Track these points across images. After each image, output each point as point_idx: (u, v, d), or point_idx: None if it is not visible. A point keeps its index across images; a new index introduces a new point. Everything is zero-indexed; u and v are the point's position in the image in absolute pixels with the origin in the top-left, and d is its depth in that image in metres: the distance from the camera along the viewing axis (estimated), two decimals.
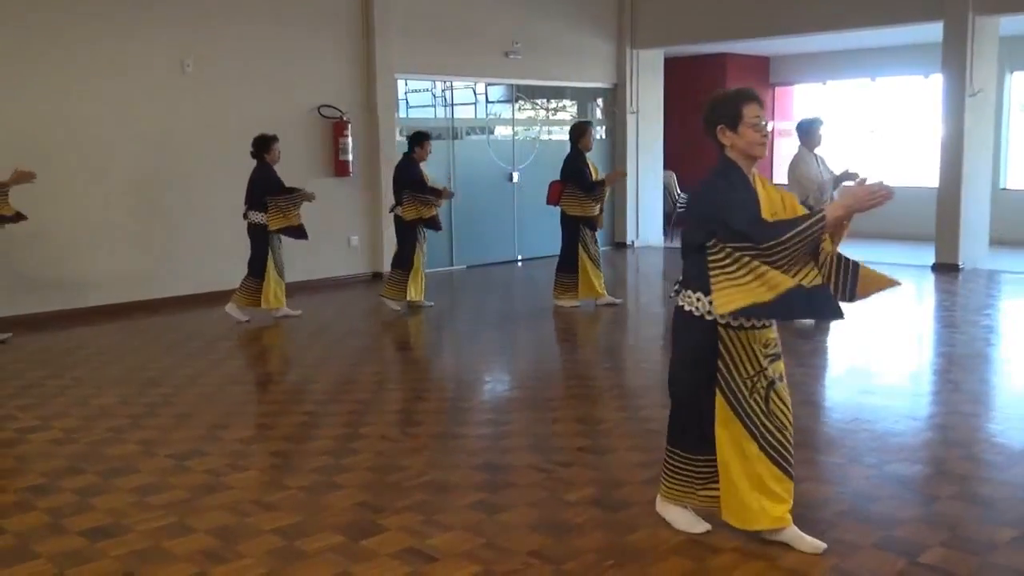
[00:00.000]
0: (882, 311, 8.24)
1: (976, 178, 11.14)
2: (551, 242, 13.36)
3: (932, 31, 11.21)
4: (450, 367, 7.30)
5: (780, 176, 16.51)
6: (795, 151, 8.14)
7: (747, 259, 3.34)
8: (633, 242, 14.27)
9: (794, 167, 8.00)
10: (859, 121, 15.85)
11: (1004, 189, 13.71)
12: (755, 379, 3.57)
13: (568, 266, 9.05)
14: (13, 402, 6.08)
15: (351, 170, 10.89)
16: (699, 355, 3.59)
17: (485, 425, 5.47)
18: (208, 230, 9.95)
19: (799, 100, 16.59)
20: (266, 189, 8.48)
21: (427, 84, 12.32)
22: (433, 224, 9.15)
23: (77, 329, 8.46)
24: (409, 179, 8.94)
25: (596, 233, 9.10)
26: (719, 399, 3.57)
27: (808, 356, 7.40)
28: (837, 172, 7.90)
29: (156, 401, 6.15)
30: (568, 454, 4.86)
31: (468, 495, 4.29)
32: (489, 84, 13.02)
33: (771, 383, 3.61)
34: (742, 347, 3.55)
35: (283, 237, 8.70)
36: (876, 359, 7.11)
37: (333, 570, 3.56)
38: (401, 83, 11.81)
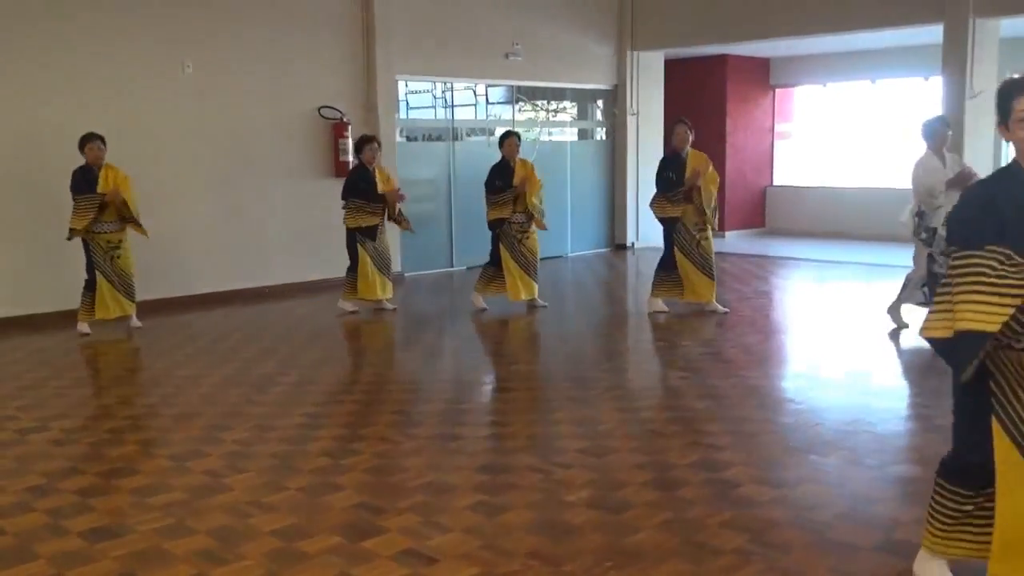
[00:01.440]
0: (883, 312, 8.22)
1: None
2: (551, 244, 13.42)
3: (932, 33, 11.21)
4: (449, 368, 7.29)
5: (779, 180, 16.54)
6: (920, 154, 7.64)
7: (959, 281, 2.86)
8: (633, 244, 14.27)
9: (915, 171, 7.53)
10: (859, 123, 15.86)
11: None
12: None
13: (665, 264, 8.87)
14: (13, 403, 6.08)
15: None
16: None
17: (485, 426, 5.46)
18: (203, 232, 9.93)
19: (800, 102, 16.60)
20: (347, 188, 8.92)
21: (427, 85, 12.32)
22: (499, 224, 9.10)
23: (75, 330, 8.45)
24: (487, 180, 9.06)
25: (701, 234, 8.64)
26: (995, 426, 2.98)
27: (808, 357, 7.40)
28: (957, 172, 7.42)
29: (156, 402, 6.15)
30: (568, 455, 4.86)
31: (468, 496, 4.29)
32: (489, 85, 13.02)
33: None
34: (1013, 369, 2.94)
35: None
36: (877, 360, 7.10)
37: (332, 571, 3.55)
38: (401, 84, 11.81)
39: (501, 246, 9.05)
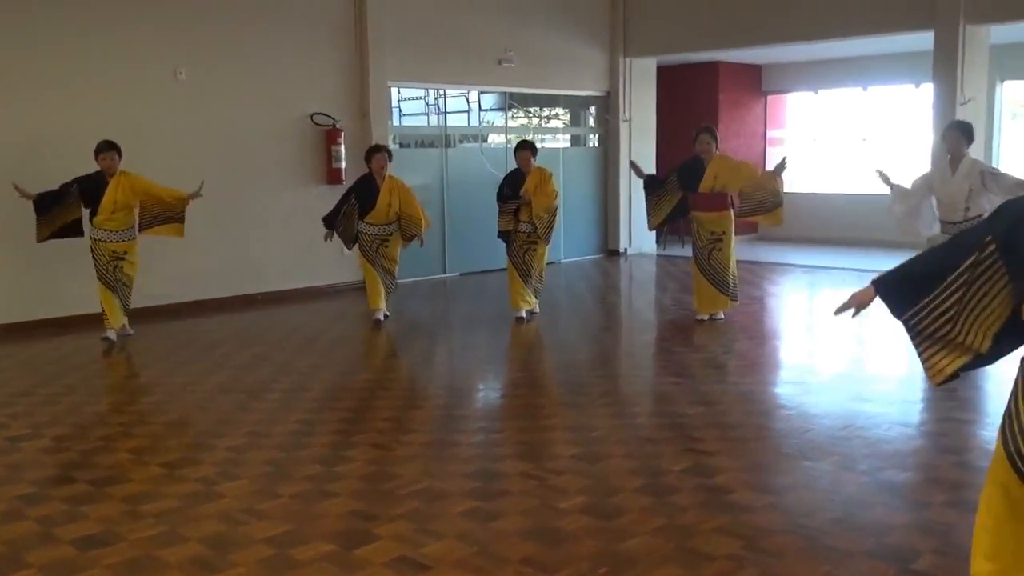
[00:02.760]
0: (874, 317, 8.25)
1: None
2: None
3: (923, 40, 11.26)
4: (443, 375, 7.29)
5: None
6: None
7: None
8: (626, 250, 14.29)
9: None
10: (851, 130, 15.92)
11: None
12: None
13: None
14: (4, 410, 6.05)
15: (344, 178, 10.86)
16: None
17: (478, 433, 5.46)
18: (195, 239, 9.87)
19: (792, 109, 16.65)
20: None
21: (420, 92, 12.33)
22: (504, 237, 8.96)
23: (66, 337, 8.43)
24: (498, 189, 8.98)
25: (717, 242, 8.54)
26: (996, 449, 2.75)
27: (799, 363, 7.41)
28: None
29: (148, 409, 6.14)
30: (561, 461, 4.86)
31: (461, 503, 4.29)
32: (482, 92, 13.04)
33: None
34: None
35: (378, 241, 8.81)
36: (868, 366, 7.12)
37: None
38: (394, 91, 11.82)
39: (507, 254, 8.93)
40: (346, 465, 4.85)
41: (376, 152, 8.69)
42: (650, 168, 14.51)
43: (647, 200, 8.86)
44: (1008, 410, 2.72)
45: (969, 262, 2.69)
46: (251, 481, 4.65)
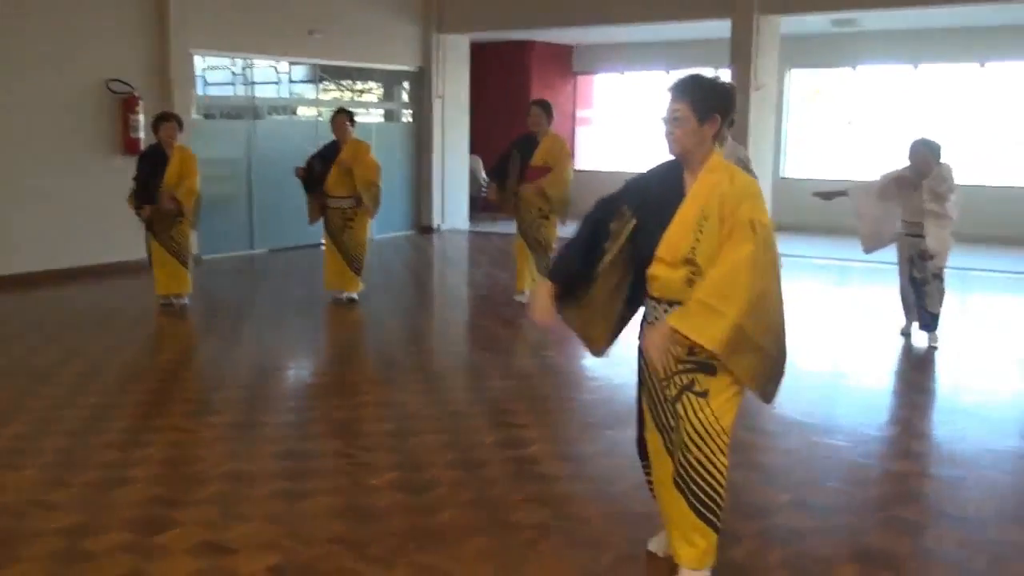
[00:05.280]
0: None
1: (759, 167, 11.83)
2: None
3: (721, 28, 11.84)
4: (251, 355, 7.04)
5: (581, 165, 17.01)
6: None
7: None
8: (439, 226, 14.31)
9: None
10: (656, 110, 16.53)
11: (784, 178, 14.68)
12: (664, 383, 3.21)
13: None
14: None
15: (141, 148, 10.29)
16: None
17: (287, 412, 5.34)
18: None
19: (600, 89, 17.12)
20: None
21: (226, 61, 11.84)
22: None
23: None
24: None
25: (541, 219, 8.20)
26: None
27: None
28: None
29: None
30: (372, 439, 4.83)
31: (268, 484, 4.19)
32: (292, 63, 12.67)
33: (681, 392, 3.17)
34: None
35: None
36: None
37: (121, 570, 3.38)
38: (198, 59, 11.29)
39: (324, 233, 8.46)
40: (145, 450, 4.63)
41: (164, 121, 8.00)
42: (464, 145, 14.59)
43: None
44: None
45: (621, 241, 3.28)
46: (39, 471, 4.36)
